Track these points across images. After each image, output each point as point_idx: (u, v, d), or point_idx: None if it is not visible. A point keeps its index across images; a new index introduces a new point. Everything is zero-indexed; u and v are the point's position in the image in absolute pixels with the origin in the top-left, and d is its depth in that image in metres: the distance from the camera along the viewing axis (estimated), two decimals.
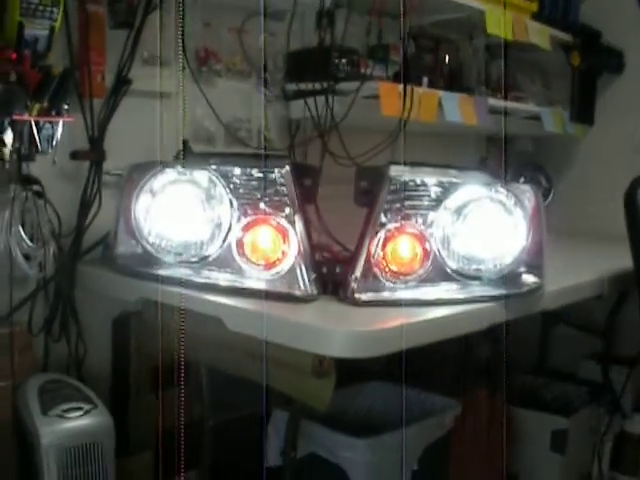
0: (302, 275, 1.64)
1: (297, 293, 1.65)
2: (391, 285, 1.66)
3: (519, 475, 2.58)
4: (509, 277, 1.69)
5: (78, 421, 1.66)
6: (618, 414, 2.68)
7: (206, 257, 1.73)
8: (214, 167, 1.71)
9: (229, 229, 1.70)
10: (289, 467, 1.88)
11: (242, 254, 1.68)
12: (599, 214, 2.90)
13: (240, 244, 1.68)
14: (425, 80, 2.48)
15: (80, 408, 1.69)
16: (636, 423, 2.65)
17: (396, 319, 1.56)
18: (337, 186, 1.86)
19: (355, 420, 2.18)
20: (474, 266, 1.69)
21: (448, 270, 1.68)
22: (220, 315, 1.60)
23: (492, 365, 2.39)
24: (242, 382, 1.68)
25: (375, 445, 1.93)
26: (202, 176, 1.72)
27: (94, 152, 1.94)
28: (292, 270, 1.65)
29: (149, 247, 1.77)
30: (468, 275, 1.69)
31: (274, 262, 1.67)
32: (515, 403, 2.53)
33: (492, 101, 2.68)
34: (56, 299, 1.91)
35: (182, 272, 1.73)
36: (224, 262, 1.71)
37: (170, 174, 1.74)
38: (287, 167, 1.68)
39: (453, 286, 1.69)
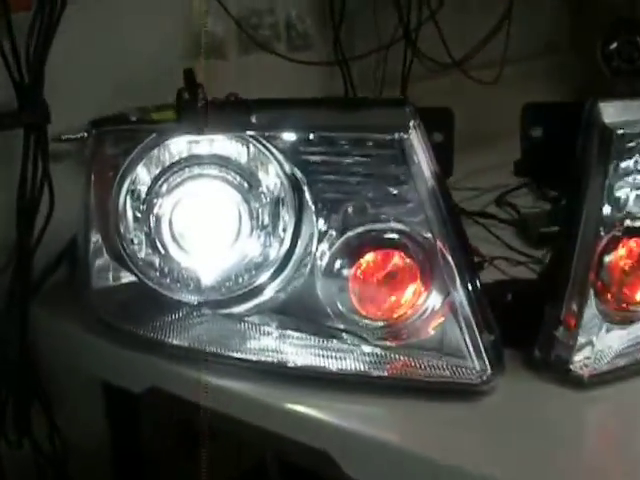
0: (471, 340, 0.84)
1: (468, 378, 0.85)
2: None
3: None
4: None
5: None
6: None
7: (257, 292, 0.92)
8: (262, 131, 0.89)
9: (308, 251, 0.90)
10: None
11: (346, 302, 0.87)
12: None
13: (342, 281, 0.87)
14: None
15: None
16: None
17: None
18: None
19: None
20: None
21: None
22: (324, 447, 0.81)
23: None
24: None
25: None
26: (241, 149, 0.90)
27: (28, 111, 1.09)
28: (449, 332, 0.85)
29: (150, 278, 0.95)
30: None
31: (404, 318, 0.87)
32: None
33: None
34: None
35: (216, 329, 0.93)
36: (300, 310, 0.91)
37: (178, 144, 0.92)
38: (412, 123, 0.85)
39: None
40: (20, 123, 1.09)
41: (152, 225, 0.92)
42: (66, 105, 1.13)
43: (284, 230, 0.91)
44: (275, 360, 0.91)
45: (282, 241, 0.91)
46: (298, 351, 0.91)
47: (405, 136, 0.83)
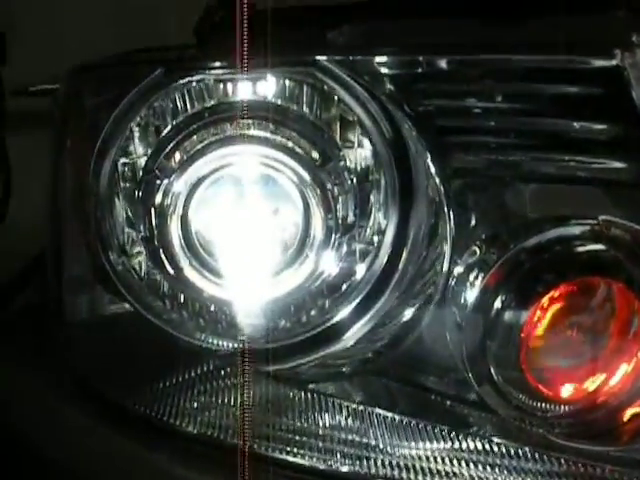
0: None
1: None
2: None
3: None
4: None
5: None
6: None
7: (333, 337, 0.54)
8: (346, 54, 0.51)
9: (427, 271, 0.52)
10: None
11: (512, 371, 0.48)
12: None
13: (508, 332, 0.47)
14: None
15: None
16: None
17: None
18: None
19: None
20: None
21: None
22: None
23: None
24: None
25: None
26: (308, 93, 0.54)
27: None
28: None
29: (151, 310, 0.57)
30: None
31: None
32: None
33: None
34: None
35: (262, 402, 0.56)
36: (408, 374, 0.55)
37: (198, 85, 0.55)
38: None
39: None
40: None
41: (154, 225, 0.53)
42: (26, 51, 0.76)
43: (380, 231, 0.54)
44: (356, 469, 0.52)
45: (377, 251, 0.53)
46: (397, 450, 0.52)
47: (629, 59, 0.44)
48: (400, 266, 0.54)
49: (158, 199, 0.54)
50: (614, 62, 0.45)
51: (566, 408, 0.49)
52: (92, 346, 0.64)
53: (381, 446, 0.56)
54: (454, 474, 0.53)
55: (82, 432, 0.60)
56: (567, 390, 0.49)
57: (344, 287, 0.55)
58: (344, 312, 0.55)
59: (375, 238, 0.55)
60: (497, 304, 0.48)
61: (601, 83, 0.46)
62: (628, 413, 0.48)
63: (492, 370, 0.49)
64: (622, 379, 0.48)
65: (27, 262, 0.77)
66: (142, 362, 0.61)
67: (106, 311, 0.63)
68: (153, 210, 0.54)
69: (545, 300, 0.47)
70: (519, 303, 0.48)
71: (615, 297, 0.48)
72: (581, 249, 0.48)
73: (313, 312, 0.56)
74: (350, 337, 0.56)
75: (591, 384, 0.48)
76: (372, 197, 0.55)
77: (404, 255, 0.54)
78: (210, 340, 0.58)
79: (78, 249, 0.63)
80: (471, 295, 0.49)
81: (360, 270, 0.55)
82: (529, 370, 0.48)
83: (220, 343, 0.58)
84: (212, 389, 0.59)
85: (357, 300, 0.55)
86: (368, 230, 0.55)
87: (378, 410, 0.57)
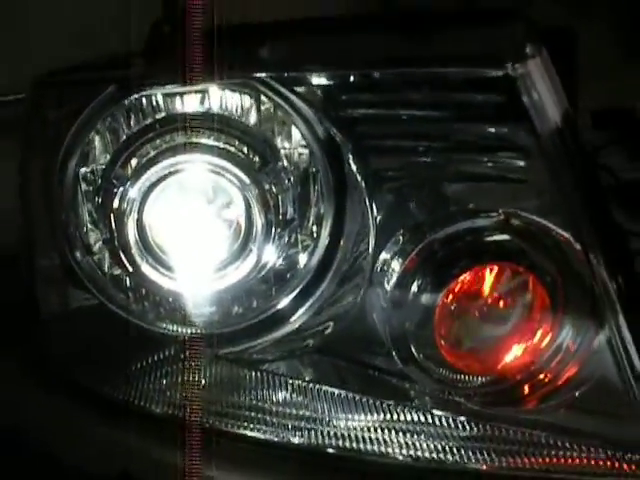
0: None
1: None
2: None
3: None
4: None
5: None
6: None
7: (278, 321, 0.62)
8: (280, 71, 0.57)
9: (357, 258, 0.58)
10: None
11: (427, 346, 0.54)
12: None
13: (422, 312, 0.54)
14: None
15: None
16: None
17: None
18: None
19: None
20: None
21: None
22: None
23: None
24: None
25: None
26: (248, 103, 0.60)
27: None
28: (602, 388, 0.54)
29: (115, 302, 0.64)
30: None
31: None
32: None
33: None
34: None
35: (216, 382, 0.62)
36: (346, 352, 0.61)
37: (150, 99, 0.61)
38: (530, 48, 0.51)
39: None
40: None
41: (113, 228, 0.59)
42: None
43: (318, 224, 0.60)
44: (307, 441, 0.58)
45: (316, 242, 0.59)
46: (343, 422, 0.58)
47: (520, 70, 0.50)
48: (338, 254, 0.61)
49: (115, 204, 0.59)
50: (505, 72, 0.51)
51: (479, 380, 0.56)
52: (65, 337, 0.70)
53: (328, 419, 0.62)
54: (396, 443, 0.60)
55: (56, 415, 0.66)
56: (477, 365, 0.55)
57: (288, 276, 0.62)
58: (288, 298, 0.62)
59: (315, 229, 0.61)
60: (414, 288, 0.55)
61: (498, 91, 0.52)
62: (529, 385, 0.55)
63: (413, 349, 0.55)
64: (522, 355, 0.55)
65: None
66: (111, 350, 0.67)
67: (71, 304, 0.69)
68: (112, 214, 0.59)
69: (456, 284, 0.54)
70: (433, 287, 0.54)
71: (519, 282, 0.54)
72: (489, 239, 0.54)
73: (261, 299, 0.62)
74: (295, 320, 0.62)
75: (496, 360, 0.54)
76: (310, 193, 0.61)
77: (341, 243, 0.60)
78: (170, 327, 0.64)
79: (47, 250, 0.69)
80: (392, 280, 0.56)
81: (302, 260, 0.61)
82: (444, 347, 0.54)
83: (178, 330, 0.64)
84: (173, 372, 0.65)
85: (300, 287, 0.62)
86: (308, 223, 0.61)
87: (326, 387, 0.63)
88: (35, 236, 0.70)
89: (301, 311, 0.62)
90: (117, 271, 0.64)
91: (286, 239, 0.60)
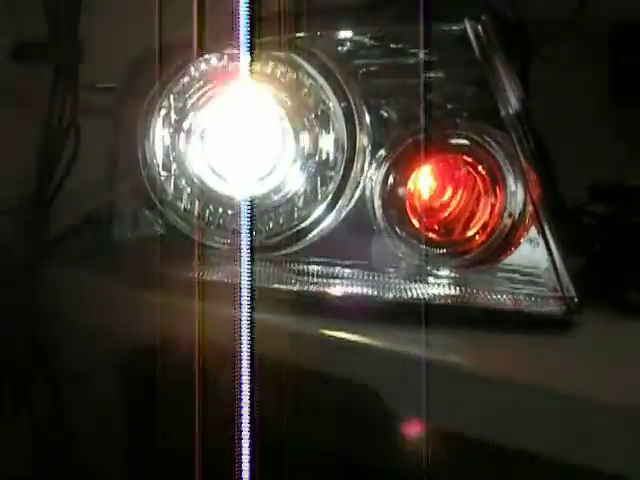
0: (558, 262, 0.72)
1: (551, 307, 0.72)
2: None
3: None
4: None
5: None
6: None
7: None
8: None
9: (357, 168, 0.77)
10: None
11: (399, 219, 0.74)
12: None
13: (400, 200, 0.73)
14: None
15: None
16: None
17: None
18: None
19: None
20: None
21: None
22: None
23: None
24: None
25: None
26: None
27: (58, 45, 0.99)
28: (531, 253, 0.73)
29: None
30: None
31: (476, 239, 0.74)
32: None
33: None
34: None
35: None
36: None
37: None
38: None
39: None
40: (48, 57, 0.97)
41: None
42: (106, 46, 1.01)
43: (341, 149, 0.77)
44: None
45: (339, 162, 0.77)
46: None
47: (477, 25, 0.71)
48: (354, 168, 0.77)
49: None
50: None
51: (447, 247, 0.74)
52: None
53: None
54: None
55: None
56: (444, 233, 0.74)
57: (312, 197, 0.80)
58: (318, 210, 0.78)
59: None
60: (390, 181, 0.74)
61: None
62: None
63: (396, 229, 0.74)
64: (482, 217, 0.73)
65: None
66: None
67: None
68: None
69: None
70: (403, 179, 0.74)
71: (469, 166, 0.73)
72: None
73: (287, 217, 0.80)
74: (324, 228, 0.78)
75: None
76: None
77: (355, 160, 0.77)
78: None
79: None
80: (377, 181, 0.75)
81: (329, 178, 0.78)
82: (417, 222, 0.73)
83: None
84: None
85: (323, 206, 0.78)
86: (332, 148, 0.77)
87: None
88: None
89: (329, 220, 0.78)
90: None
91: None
